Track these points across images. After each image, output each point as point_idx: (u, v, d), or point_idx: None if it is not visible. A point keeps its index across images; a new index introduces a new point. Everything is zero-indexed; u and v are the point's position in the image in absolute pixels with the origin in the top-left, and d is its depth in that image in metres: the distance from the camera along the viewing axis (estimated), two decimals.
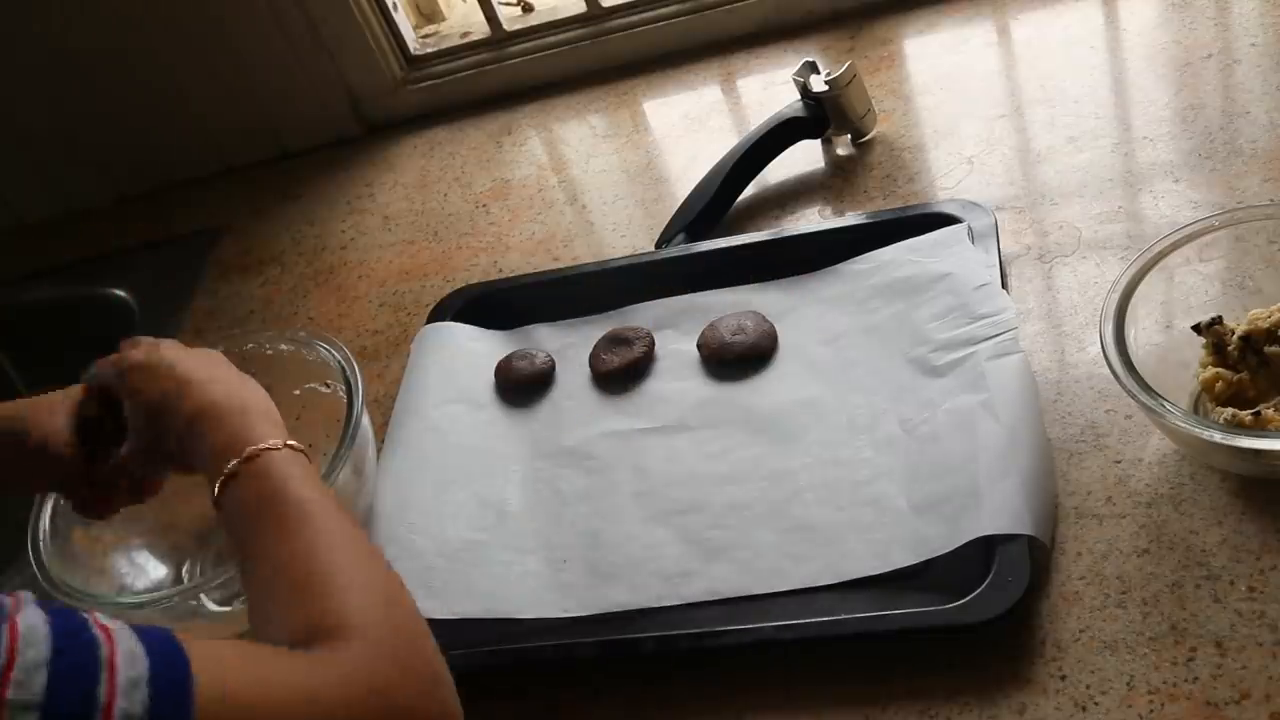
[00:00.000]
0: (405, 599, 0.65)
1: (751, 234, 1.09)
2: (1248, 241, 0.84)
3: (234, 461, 0.69)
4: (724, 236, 1.10)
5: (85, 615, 0.52)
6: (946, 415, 0.86)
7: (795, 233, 1.07)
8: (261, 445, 0.70)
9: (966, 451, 0.82)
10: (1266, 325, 0.79)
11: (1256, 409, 0.76)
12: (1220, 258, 0.85)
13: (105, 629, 0.52)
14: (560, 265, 1.16)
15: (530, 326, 1.09)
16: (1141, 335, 0.81)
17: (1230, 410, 0.77)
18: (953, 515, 0.80)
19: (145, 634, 0.53)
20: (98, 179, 1.54)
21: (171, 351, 0.79)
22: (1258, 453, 0.74)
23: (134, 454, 0.79)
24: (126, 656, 0.51)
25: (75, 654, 0.50)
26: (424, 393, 1.04)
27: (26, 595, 0.52)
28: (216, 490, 0.69)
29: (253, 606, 0.65)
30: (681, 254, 1.09)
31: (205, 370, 0.77)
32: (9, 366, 1.36)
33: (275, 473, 0.69)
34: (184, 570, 0.98)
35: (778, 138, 1.16)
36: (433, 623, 0.86)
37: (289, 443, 0.71)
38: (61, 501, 0.90)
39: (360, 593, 0.63)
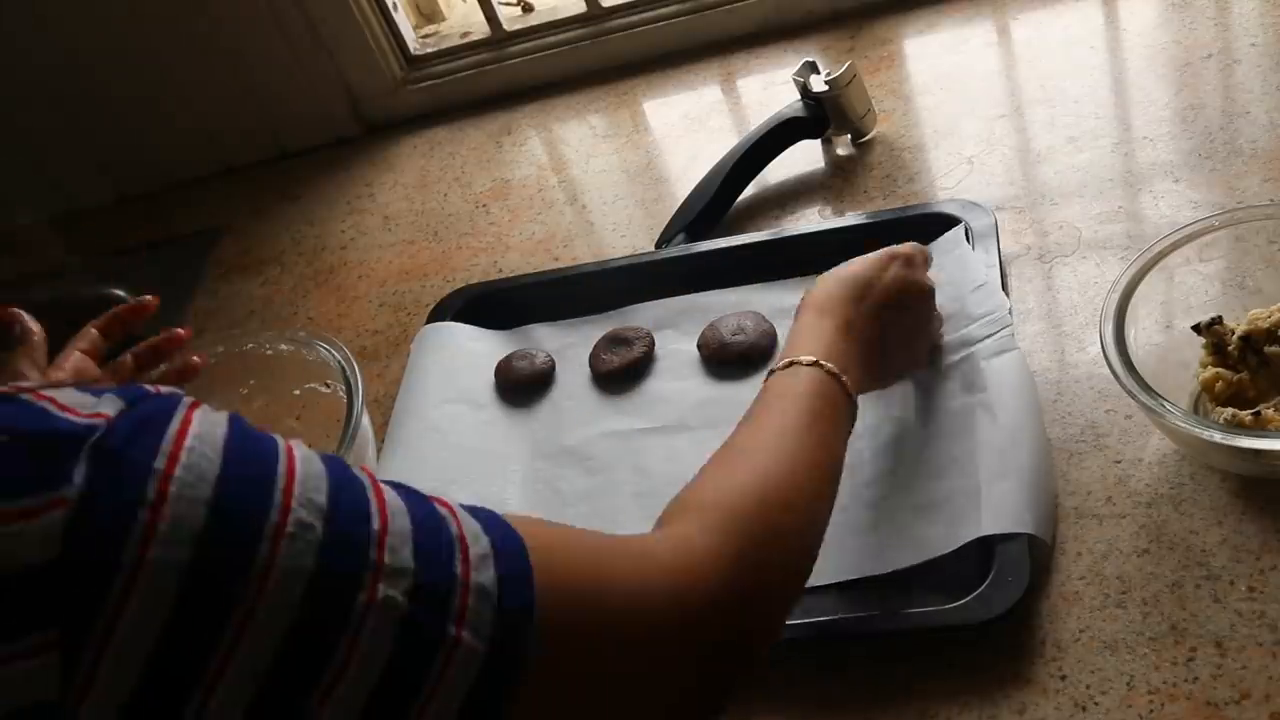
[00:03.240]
0: (799, 516, 0.65)
1: (751, 234, 1.09)
2: (1248, 241, 0.84)
3: (787, 361, 0.75)
4: (724, 236, 1.10)
5: (425, 493, 0.53)
6: (946, 415, 0.86)
7: (795, 233, 1.07)
8: (830, 368, 0.74)
9: (966, 451, 0.82)
10: (1266, 325, 0.79)
11: (1256, 409, 0.76)
12: (1220, 258, 0.85)
13: (448, 506, 0.52)
14: (560, 265, 1.16)
15: (530, 326, 1.09)
16: (1141, 335, 0.81)
17: (1230, 410, 0.77)
18: (953, 516, 0.80)
19: (476, 512, 0.53)
20: (98, 179, 1.54)
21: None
22: (1258, 453, 0.74)
23: None
24: (472, 533, 0.51)
25: (434, 526, 0.50)
26: (424, 393, 1.03)
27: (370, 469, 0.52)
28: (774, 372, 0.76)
29: None
30: (681, 254, 1.09)
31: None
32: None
33: (815, 381, 0.73)
34: None
35: (778, 138, 1.16)
36: None
37: (841, 375, 0.74)
38: None
39: (742, 489, 0.63)
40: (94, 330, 0.92)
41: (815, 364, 0.74)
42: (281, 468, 0.47)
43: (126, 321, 0.94)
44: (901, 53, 1.27)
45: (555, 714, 0.52)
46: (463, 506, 0.53)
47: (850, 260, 0.85)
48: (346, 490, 0.49)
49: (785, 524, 0.64)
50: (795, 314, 0.82)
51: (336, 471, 0.49)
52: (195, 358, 0.96)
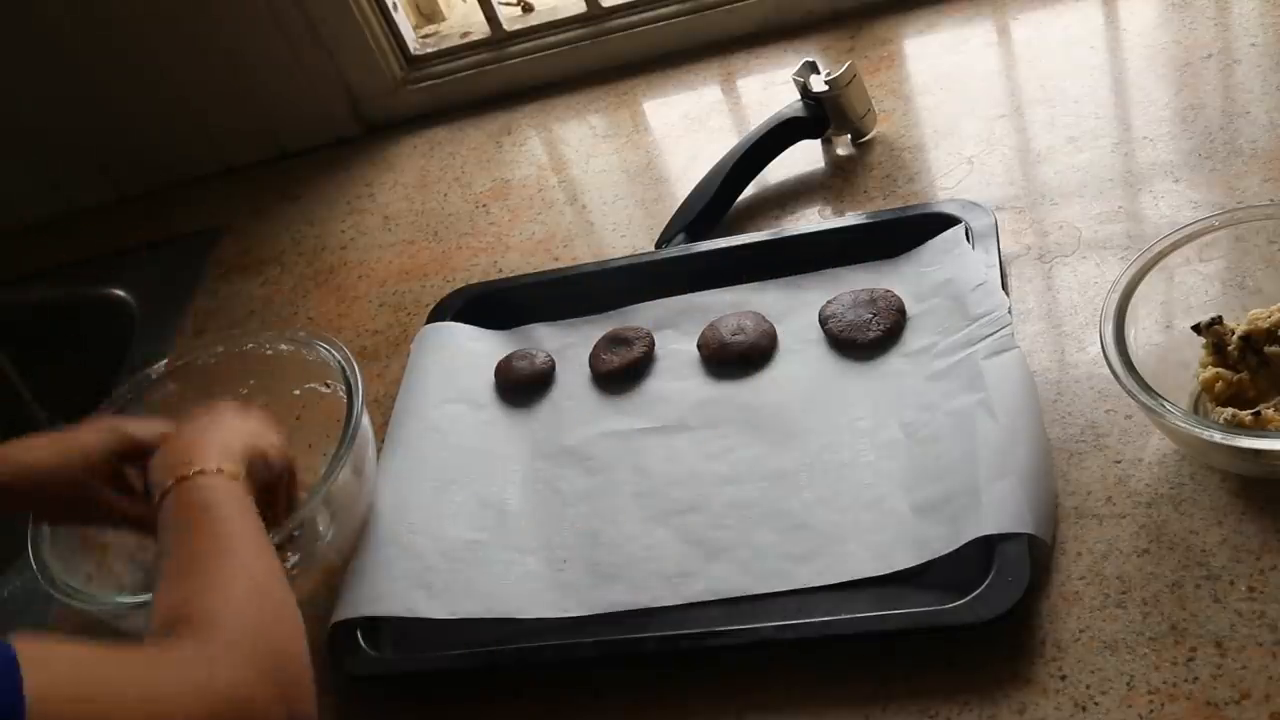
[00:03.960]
0: (286, 611, 0.67)
1: (751, 234, 1.09)
2: (1248, 241, 0.84)
3: (171, 480, 0.75)
4: (724, 236, 1.10)
5: None
6: (946, 416, 0.86)
7: (795, 233, 1.07)
8: (198, 467, 0.75)
9: (966, 451, 0.82)
10: (1266, 325, 0.79)
11: (1256, 409, 0.76)
12: (1220, 258, 0.85)
13: None
14: (560, 265, 1.16)
15: (530, 326, 1.09)
16: (1141, 335, 0.81)
17: (1230, 410, 0.77)
18: (953, 516, 0.80)
19: None
20: (98, 179, 1.54)
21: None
22: (1258, 453, 0.74)
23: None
24: None
25: None
26: (424, 393, 1.03)
27: None
28: (156, 500, 0.75)
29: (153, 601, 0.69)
30: (681, 254, 1.09)
31: (205, 416, 0.83)
32: (9, 366, 1.36)
33: (204, 488, 0.74)
34: None
35: (778, 138, 1.16)
36: (433, 622, 0.87)
37: (223, 468, 0.76)
38: None
39: (233, 591, 0.65)
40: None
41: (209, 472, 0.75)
42: None
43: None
44: (901, 53, 1.27)
45: None
46: None
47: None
48: None
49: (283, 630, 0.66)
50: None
51: None
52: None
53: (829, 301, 0.99)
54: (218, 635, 0.62)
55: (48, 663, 0.54)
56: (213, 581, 0.66)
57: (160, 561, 0.71)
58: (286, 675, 0.63)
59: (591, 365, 1.03)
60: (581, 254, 1.18)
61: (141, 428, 0.86)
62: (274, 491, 0.85)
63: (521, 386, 1.04)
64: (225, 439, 0.80)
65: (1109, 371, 0.78)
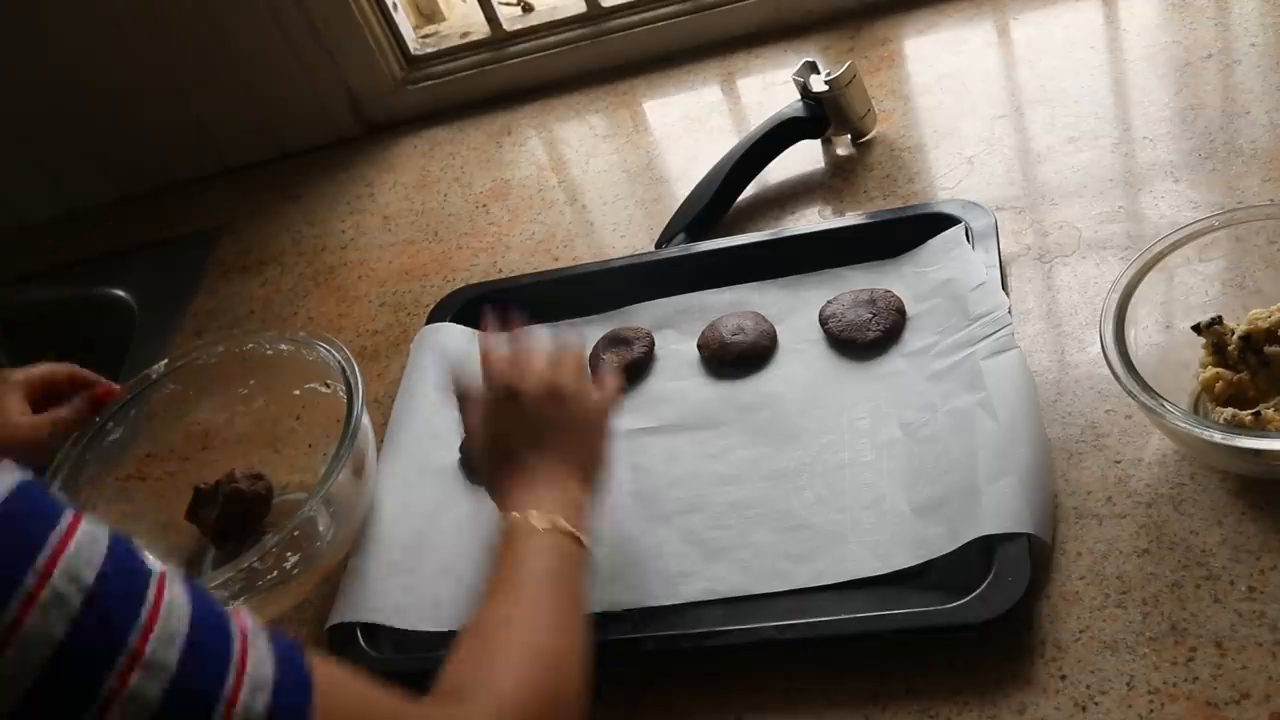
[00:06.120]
0: (573, 702, 0.67)
1: (751, 234, 1.09)
2: (1248, 241, 0.84)
3: (542, 524, 0.73)
4: (724, 236, 1.10)
5: (226, 609, 0.54)
6: (946, 416, 0.86)
7: (795, 233, 1.07)
8: (565, 526, 0.74)
9: (965, 451, 0.82)
10: (1266, 325, 0.79)
11: (1256, 409, 0.76)
12: (1220, 258, 0.85)
13: (243, 627, 0.53)
14: (560, 265, 1.16)
15: (529, 327, 1.09)
16: (1141, 335, 0.81)
17: (1230, 410, 0.77)
18: (952, 516, 0.80)
19: (278, 641, 0.54)
20: (98, 179, 1.54)
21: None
22: (1258, 453, 0.74)
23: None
24: (257, 658, 0.52)
25: (211, 637, 0.51)
26: (423, 395, 1.03)
27: (174, 570, 0.53)
28: (509, 530, 0.74)
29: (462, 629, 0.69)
30: (681, 254, 1.09)
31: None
32: (9, 366, 1.36)
33: (557, 553, 0.73)
34: (184, 570, 0.98)
35: (778, 138, 1.16)
36: (435, 633, 0.87)
37: (575, 532, 0.75)
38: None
39: (541, 688, 0.64)
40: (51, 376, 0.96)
41: (550, 529, 0.74)
42: (54, 538, 0.48)
43: (96, 401, 0.98)
44: (901, 53, 1.27)
45: None
46: (267, 633, 0.55)
47: (465, 410, 0.86)
48: (123, 575, 0.50)
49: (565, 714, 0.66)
50: (497, 500, 0.80)
51: (122, 558, 0.50)
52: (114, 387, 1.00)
53: (829, 301, 0.99)
54: (486, 709, 0.61)
55: (333, 695, 0.54)
56: (505, 659, 0.65)
57: (483, 602, 0.71)
58: None
59: (591, 365, 1.03)
60: (581, 254, 1.18)
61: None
62: None
63: None
64: (585, 462, 0.80)
65: (1109, 371, 0.78)
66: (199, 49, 1.42)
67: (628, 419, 0.98)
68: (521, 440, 0.79)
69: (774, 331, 1.00)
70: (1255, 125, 1.02)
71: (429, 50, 1.47)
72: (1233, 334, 0.80)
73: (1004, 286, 0.93)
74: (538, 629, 0.68)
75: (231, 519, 0.98)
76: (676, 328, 1.04)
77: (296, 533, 0.87)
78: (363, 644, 0.86)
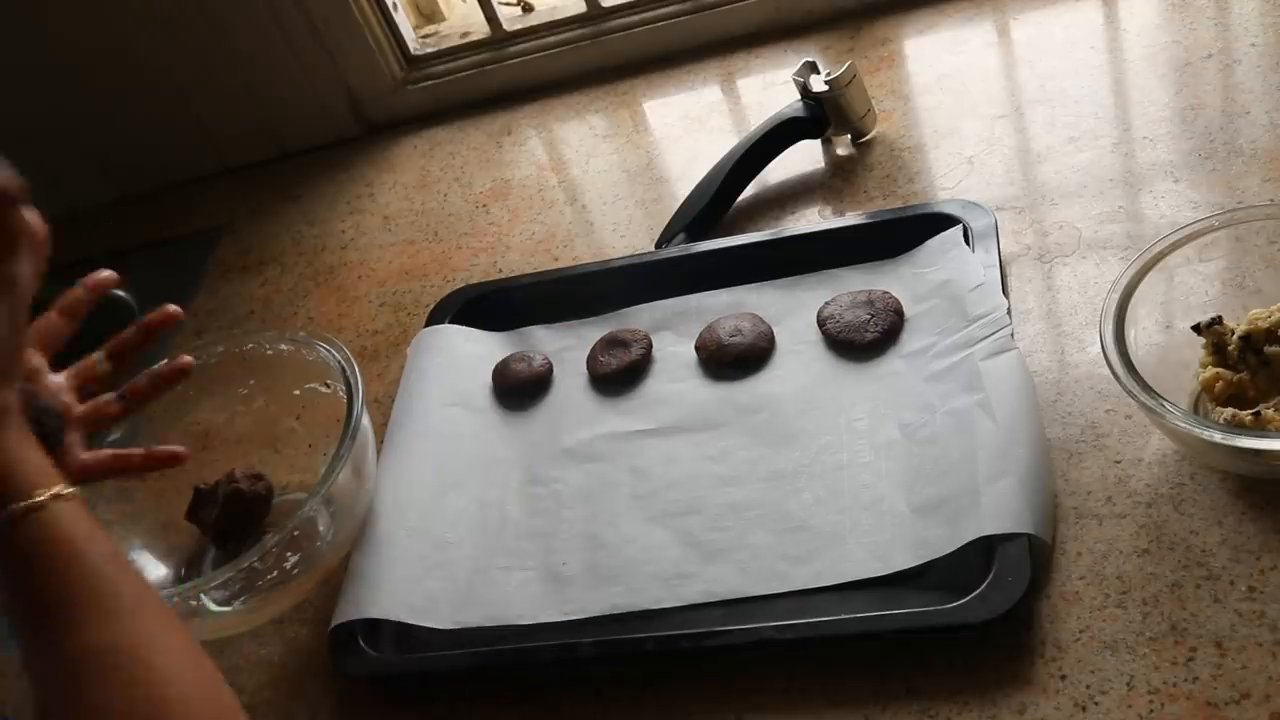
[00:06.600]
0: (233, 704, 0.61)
1: (751, 234, 1.09)
2: (1248, 241, 0.84)
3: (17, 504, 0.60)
4: (724, 236, 1.10)
5: None
6: (945, 417, 0.86)
7: (795, 233, 1.07)
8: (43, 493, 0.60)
9: (965, 452, 0.82)
10: (1266, 325, 0.79)
11: (1256, 409, 0.76)
12: (1220, 258, 0.85)
13: None
14: (560, 265, 1.16)
15: (528, 329, 1.09)
16: (1141, 335, 0.81)
17: (1230, 410, 0.77)
18: (952, 517, 0.80)
19: None
20: (98, 179, 1.54)
21: None
22: (1258, 453, 0.74)
23: None
24: None
25: None
26: (422, 396, 1.03)
27: None
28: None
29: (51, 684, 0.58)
30: (681, 254, 1.09)
31: None
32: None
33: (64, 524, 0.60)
34: (183, 570, 0.98)
35: (778, 138, 1.16)
36: (439, 631, 0.87)
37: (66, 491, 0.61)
38: None
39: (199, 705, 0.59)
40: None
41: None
42: None
43: (151, 331, 0.90)
44: (901, 53, 1.27)
45: None
46: None
47: None
48: None
49: None
50: None
51: None
52: (187, 357, 0.92)
53: (827, 303, 0.99)
54: None
55: None
56: (168, 693, 0.58)
57: (47, 634, 0.59)
58: None
59: (589, 368, 1.03)
60: (581, 254, 1.18)
61: None
62: None
63: (519, 389, 1.04)
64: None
65: (1109, 371, 0.78)
66: (199, 49, 1.42)
67: (626, 421, 0.98)
68: None
69: (772, 333, 1.00)
70: (1255, 125, 1.02)
71: (429, 50, 1.47)
72: (1233, 334, 0.80)
73: (1004, 286, 0.93)
74: (157, 634, 0.60)
75: (232, 519, 0.98)
76: (674, 329, 1.04)
77: (296, 533, 0.87)
78: (363, 645, 0.86)
